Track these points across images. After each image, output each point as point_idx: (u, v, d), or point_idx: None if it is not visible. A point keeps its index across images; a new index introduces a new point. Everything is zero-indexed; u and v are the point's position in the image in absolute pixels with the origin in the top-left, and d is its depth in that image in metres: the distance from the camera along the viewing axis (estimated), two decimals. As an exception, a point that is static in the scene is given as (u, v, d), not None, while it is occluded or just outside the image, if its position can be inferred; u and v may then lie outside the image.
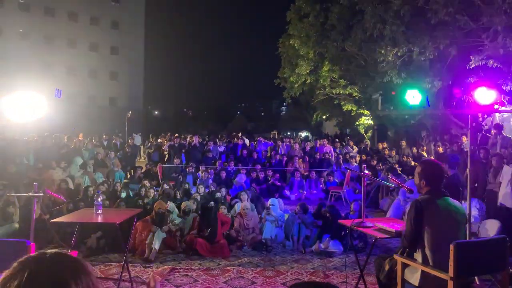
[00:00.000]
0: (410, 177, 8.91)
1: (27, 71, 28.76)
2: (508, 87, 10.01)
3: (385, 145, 13.59)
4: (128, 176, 11.93)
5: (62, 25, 34.57)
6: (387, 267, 3.49)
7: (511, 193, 5.93)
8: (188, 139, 15.37)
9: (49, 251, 1.04)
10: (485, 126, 9.21)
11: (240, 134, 18.17)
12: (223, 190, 8.49)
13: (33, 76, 27.63)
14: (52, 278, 0.96)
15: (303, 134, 39.00)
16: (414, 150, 12.46)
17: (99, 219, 4.39)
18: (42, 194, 4.10)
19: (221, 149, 14.27)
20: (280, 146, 14.26)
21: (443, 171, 3.28)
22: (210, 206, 6.71)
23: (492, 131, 8.75)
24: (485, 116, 9.26)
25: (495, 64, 10.06)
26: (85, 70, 36.05)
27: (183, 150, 13.32)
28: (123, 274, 4.62)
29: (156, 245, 5.77)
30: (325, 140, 14.75)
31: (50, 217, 5.78)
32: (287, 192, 11.07)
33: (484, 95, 4.75)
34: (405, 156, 11.93)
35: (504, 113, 8.79)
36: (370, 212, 8.80)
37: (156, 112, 53.21)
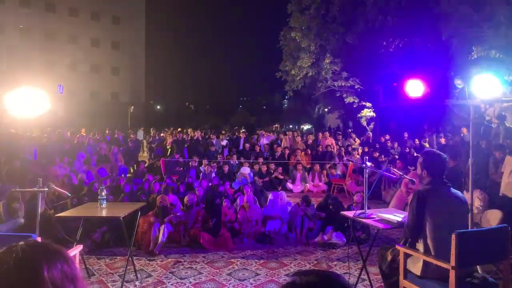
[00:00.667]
0: (412, 168, 8.92)
1: (28, 67, 28.84)
2: (511, 77, 9.95)
3: (387, 137, 13.58)
4: (132, 170, 11.99)
5: (63, 21, 34.56)
6: (389, 257, 3.52)
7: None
8: (190, 133, 15.41)
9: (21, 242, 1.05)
10: (487, 117, 9.17)
11: (242, 129, 18.19)
12: (226, 184, 8.53)
13: (35, 72, 27.69)
14: (23, 262, 0.97)
15: (306, 127, 38.96)
16: (417, 141, 12.46)
17: (103, 213, 4.44)
18: (46, 189, 4.13)
19: (224, 143, 14.31)
20: (283, 139, 14.28)
21: (445, 162, 3.28)
22: (214, 201, 6.76)
23: (494, 121, 8.73)
24: (487, 106, 9.23)
25: (498, 55, 10.00)
26: (87, 65, 36.09)
27: (186, 145, 13.36)
28: (128, 268, 4.68)
29: (162, 238, 5.82)
30: (327, 133, 14.75)
31: (55, 212, 5.83)
32: (290, 185, 11.11)
33: (486, 86, 4.73)
34: (407, 148, 11.93)
35: (505, 103, 8.76)
36: (372, 204, 8.81)
37: (159, 107, 53.24)
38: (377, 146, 12.82)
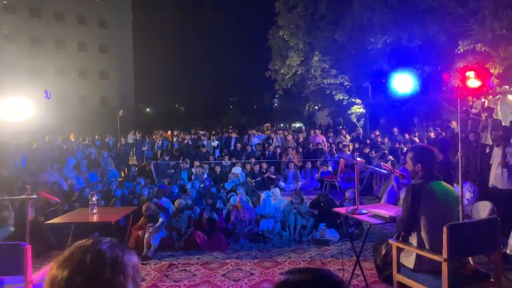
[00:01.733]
0: (403, 163, 8.98)
1: (15, 73, 28.42)
2: (497, 70, 10.07)
3: (377, 132, 13.66)
4: (123, 174, 11.90)
5: (49, 25, 34.14)
6: (383, 251, 3.54)
7: (502, 175, 6.00)
8: (180, 135, 15.34)
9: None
10: (473, 110, 9.27)
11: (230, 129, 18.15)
12: (214, 189, 8.38)
13: (22, 78, 27.33)
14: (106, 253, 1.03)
15: (297, 125, 39.05)
16: (407, 136, 12.55)
17: (95, 219, 4.40)
18: (35, 196, 4.08)
19: (215, 143, 14.27)
20: (274, 138, 14.30)
21: (434, 155, 3.32)
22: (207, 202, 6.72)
23: (482, 114, 8.82)
24: (475, 99, 9.32)
25: (484, 48, 10.11)
26: (74, 70, 35.70)
27: (174, 150, 13.30)
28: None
29: (155, 242, 5.77)
30: (318, 130, 14.80)
31: (45, 219, 5.77)
32: (282, 184, 11.12)
33: (472, 79, 4.78)
34: (397, 143, 12.02)
35: (491, 96, 8.88)
36: (364, 199, 8.86)
37: (148, 110, 52.92)
38: (368, 142, 12.90)
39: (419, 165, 3.21)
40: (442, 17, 11.06)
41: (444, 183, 3.22)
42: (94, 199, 4.58)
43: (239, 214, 6.71)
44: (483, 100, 8.98)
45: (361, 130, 15.64)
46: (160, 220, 6.07)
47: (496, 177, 6.05)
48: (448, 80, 10.16)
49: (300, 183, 11.09)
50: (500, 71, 10.16)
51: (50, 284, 0.99)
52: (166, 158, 11.82)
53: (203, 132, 16.40)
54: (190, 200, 6.99)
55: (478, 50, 10.23)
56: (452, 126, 10.85)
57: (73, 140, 14.16)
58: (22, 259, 3.09)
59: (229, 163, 11.77)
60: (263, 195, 7.27)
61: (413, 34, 11.98)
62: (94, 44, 37.24)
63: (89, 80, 36.72)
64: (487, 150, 7.42)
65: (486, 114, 8.47)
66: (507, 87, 8.88)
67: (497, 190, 6.02)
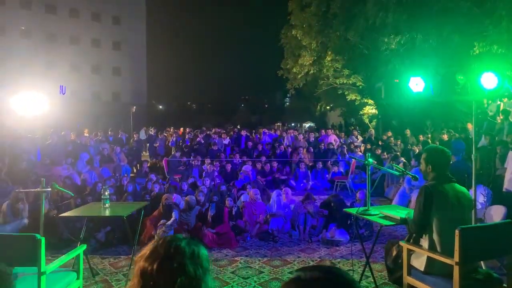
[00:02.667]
0: (415, 165, 8.91)
1: (30, 69, 28.91)
2: (513, 73, 9.90)
3: (390, 134, 13.56)
4: (135, 170, 12.01)
5: (64, 22, 34.60)
6: (394, 253, 3.53)
7: None
8: (192, 133, 15.43)
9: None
10: (490, 112, 9.15)
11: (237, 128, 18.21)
12: (224, 187, 8.41)
13: (37, 74, 27.78)
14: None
15: (307, 125, 38.93)
16: (421, 137, 12.42)
17: (107, 213, 4.45)
18: (50, 189, 4.15)
19: (226, 141, 14.31)
20: (285, 138, 14.28)
21: (448, 157, 3.28)
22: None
23: (498, 117, 8.70)
24: (490, 102, 9.20)
25: (500, 50, 9.95)
26: (88, 66, 36.14)
27: (185, 147, 13.37)
28: (132, 267, 4.69)
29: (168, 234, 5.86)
30: (329, 130, 14.75)
31: (59, 213, 5.85)
32: (293, 183, 11.10)
33: (489, 81, 4.72)
34: (409, 145, 11.91)
35: (508, 99, 8.74)
36: (375, 201, 8.82)
37: (160, 107, 53.30)
38: (380, 143, 12.80)
39: (432, 166, 3.18)
40: (457, 17, 10.92)
41: (458, 185, 3.18)
42: (106, 193, 4.64)
43: (251, 207, 6.73)
44: (499, 102, 8.86)
45: (373, 131, 15.52)
46: (173, 217, 6.16)
47: (510, 181, 5.97)
48: (462, 81, 10.00)
49: (310, 183, 11.06)
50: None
51: (140, 274, 1.16)
52: (177, 155, 11.90)
53: (219, 130, 16.48)
54: (202, 197, 7.03)
55: (493, 51, 10.08)
56: (467, 128, 10.71)
57: (86, 135, 14.31)
58: (36, 251, 3.15)
59: (240, 161, 11.80)
60: (274, 194, 7.28)
61: (427, 34, 11.85)
62: (108, 41, 37.63)
63: (102, 76, 37.14)
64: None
65: (502, 117, 8.36)
66: None
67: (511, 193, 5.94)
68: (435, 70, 12.27)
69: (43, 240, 3.38)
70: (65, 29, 34.52)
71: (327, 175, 11.35)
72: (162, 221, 6.06)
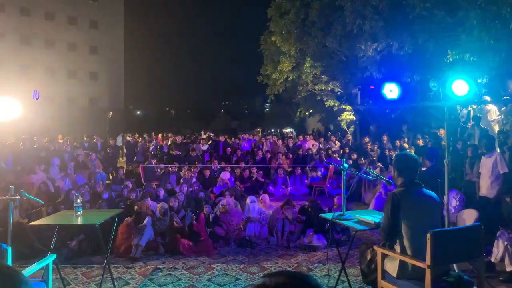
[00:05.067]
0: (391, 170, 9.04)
1: (3, 73, 28.09)
2: (484, 80, 10.21)
3: (367, 139, 13.75)
4: (110, 177, 11.78)
5: (39, 25, 33.82)
6: (368, 257, 3.55)
7: (492, 185, 6.06)
8: (170, 137, 15.28)
9: None
10: (462, 119, 9.40)
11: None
12: (202, 193, 8.32)
13: (10, 78, 27.01)
14: None
15: (287, 130, 39.15)
16: (398, 143, 12.64)
17: (79, 221, 4.32)
18: (18, 197, 4.01)
19: (205, 147, 14.22)
20: (264, 143, 14.29)
21: (417, 163, 3.33)
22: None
23: (468, 123, 8.94)
24: (462, 108, 9.45)
25: (472, 58, 10.24)
26: (64, 70, 35.37)
27: (163, 153, 13.23)
28: (105, 276, 4.57)
29: (142, 242, 5.73)
30: (308, 135, 14.86)
31: (29, 221, 5.67)
32: (271, 189, 11.10)
33: (460, 88, 4.84)
34: (386, 150, 12.10)
35: (478, 105, 9.02)
36: (353, 206, 8.89)
37: (138, 112, 52.62)
38: (357, 148, 12.96)
39: (401, 173, 3.24)
40: (431, 25, 11.20)
41: (426, 190, 3.24)
42: (78, 201, 4.50)
43: (226, 217, 6.68)
44: (470, 109, 9.11)
45: (350, 136, 15.71)
46: (145, 222, 6.03)
47: (488, 187, 6.11)
48: (435, 88, 10.25)
49: (289, 188, 11.09)
50: (487, 81, 10.30)
51: None
52: (153, 162, 11.72)
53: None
54: (176, 203, 6.92)
55: (466, 59, 10.36)
56: (440, 134, 10.96)
57: (60, 141, 13.98)
58: (2, 261, 3.03)
59: (218, 167, 11.73)
60: (248, 200, 7.24)
61: (403, 42, 12.11)
62: (84, 45, 36.96)
63: (79, 80, 36.40)
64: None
65: (472, 123, 8.59)
66: (489, 98, 9.01)
67: (486, 200, 6.08)
68: (410, 77, 12.59)
69: (9, 249, 3.26)
70: (40, 32, 33.75)
71: (305, 181, 11.40)
72: (135, 229, 5.94)
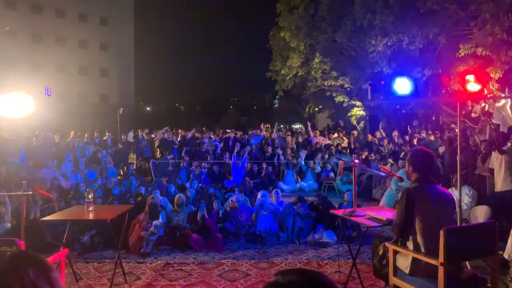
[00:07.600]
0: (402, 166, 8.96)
1: (16, 70, 28.41)
2: (497, 75, 10.04)
3: (378, 135, 13.64)
4: (121, 172, 11.87)
5: (50, 22, 34.12)
6: (381, 252, 3.52)
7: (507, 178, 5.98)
8: (180, 133, 15.31)
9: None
10: (473, 114, 9.26)
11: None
12: (211, 189, 8.36)
13: (22, 75, 27.30)
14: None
15: (296, 126, 39.02)
16: (407, 138, 12.52)
17: (90, 216, 4.37)
18: (31, 192, 4.06)
19: (215, 143, 14.22)
20: (274, 139, 14.24)
21: (432, 159, 3.29)
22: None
23: (481, 118, 8.81)
24: (474, 104, 9.31)
25: (484, 52, 10.08)
26: (75, 67, 35.67)
27: (175, 146, 13.26)
28: (117, 271, 4.62)
29: (154, 237, 5.81)
30: (317, 131, 14.81)
31: (41, 216, 5.74)
32: (281, 185, 11.09)
33: (472, 83, 4.77)
34: (397, 146, 11.99)
35: (492, 100, 8.86)
36: (363, 202, 8.85)
37: (148, 108, 52.89)
38: (367, 144, 12.87)
39: (415, 168, 3.20)
40: (443, 20, 11.03)
41: (439, 187, 3.20)
42: (90, 196, 4.55)
43: (236, 213, 6.70)
44: (483, 104, 8.97)
45: (356, 132, 15.59)
46: (161, 219, 6.11)
47: (504, 182, 6.03)
48: (448, 83, 10.12)
49: (299, 184, 11.06)
50: (501, 76, 10.13)
51: None
52: (163, 156, 11.78)
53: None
54: (190, 195, 6.99)
55: (478, 54, 10.20)
56: (453, 130, 10.82)
57: (72, 137, 14.11)
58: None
59: (233, 161, 11.70)
60: (259, 194, 7.25)
61: (414, 36, 11.95)
62: (95, 42, 37.21)
63: (89, 77, 36.70)
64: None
65: (484, 118, 8.47)
66: (502, 94, 8.86)
67: (499, 194, 6.00)
68: (421, 72, 12.44)
69: (22, 244, 3.31)
70: (51, 29, 34.04)
71: (315, 176, 11.36)
72: (149, 223, 6.00)
